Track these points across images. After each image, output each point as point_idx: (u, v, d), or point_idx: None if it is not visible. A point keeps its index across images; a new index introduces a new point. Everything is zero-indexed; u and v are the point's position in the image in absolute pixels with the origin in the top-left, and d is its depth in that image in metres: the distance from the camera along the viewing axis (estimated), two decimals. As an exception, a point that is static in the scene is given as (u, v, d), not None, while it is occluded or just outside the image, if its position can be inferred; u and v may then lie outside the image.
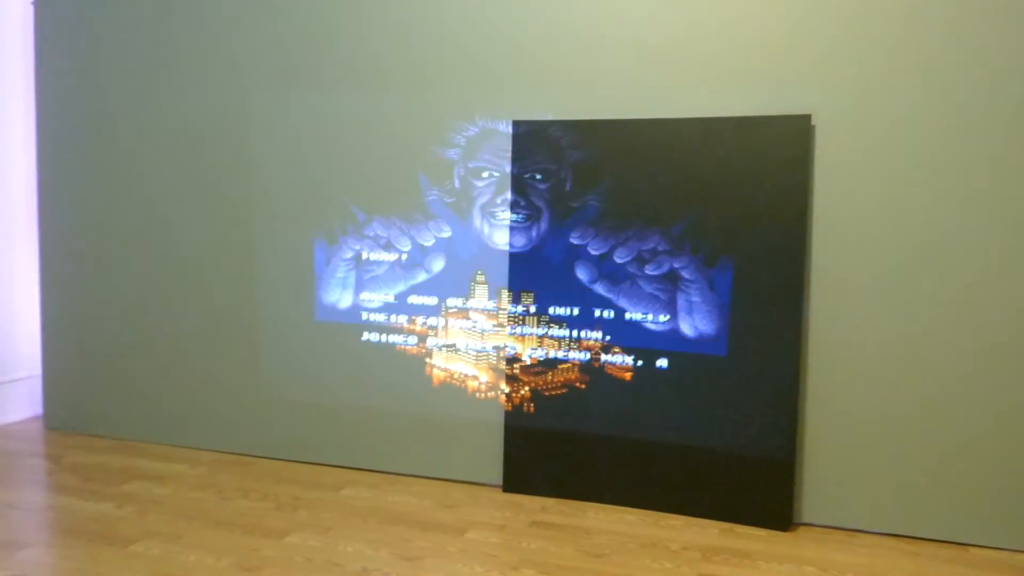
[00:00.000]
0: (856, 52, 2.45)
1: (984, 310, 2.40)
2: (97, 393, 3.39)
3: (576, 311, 2.73)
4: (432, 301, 2.92)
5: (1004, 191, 2.36)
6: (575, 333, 2.73)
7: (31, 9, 3.41)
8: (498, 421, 2.85)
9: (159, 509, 2.61)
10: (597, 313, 2.70)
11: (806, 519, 2.58)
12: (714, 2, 2.56)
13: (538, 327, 2.77)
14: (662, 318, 2.63)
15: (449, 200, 2.87)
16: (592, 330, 2.71)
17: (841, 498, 2.54)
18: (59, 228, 3.39)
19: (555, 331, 2.76)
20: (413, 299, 2.94)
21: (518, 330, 2.80)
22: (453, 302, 2.90)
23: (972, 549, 2.43)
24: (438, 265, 2.90)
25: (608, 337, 2.70)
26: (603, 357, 2.71)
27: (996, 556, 2.38)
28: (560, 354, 2.75)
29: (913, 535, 2.49)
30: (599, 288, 2.70)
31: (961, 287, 2.41)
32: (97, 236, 3.34)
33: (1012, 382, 2.39)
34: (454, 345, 2.91)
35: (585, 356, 2.73)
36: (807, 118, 2.48)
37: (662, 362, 2.63)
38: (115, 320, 3.34)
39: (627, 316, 2.67)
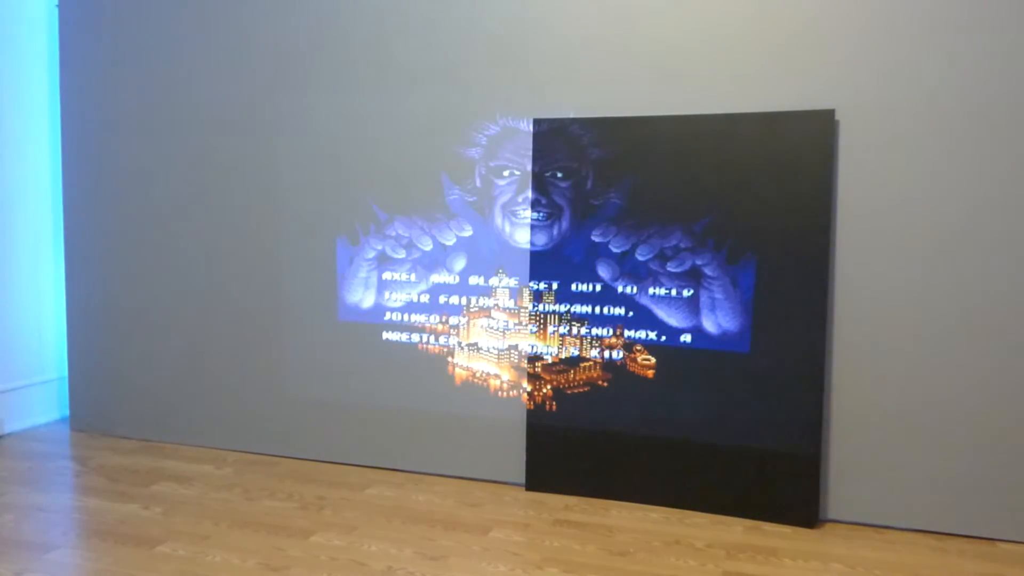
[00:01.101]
0: (880, 46, 2.43)
1: (1011, 305, 2.37)
2: (123, 395, 3.42)
3: (598, 309, 2.72)
4: (454, 300, 2.92)
5: (1031, 184, 2.34)
6: (597, 330, 2.73)
7: (55, 10, 3.44)
8: (520, 420, 2.85)
9: (185, 510, 2.63)
10: (619, 310, 2.70)
11: (832, 516, 2.56)
12: (734, -3, 2.55)
13: (560, 325, 2.77)
14: (683, 321, 2.62)
15: (470, 199, 2.87)
16: (614, 328, 2.71)
17: (867, 495, 2.53)
18: (84, 230, 3.43)
19: (577, 329, 2.75)
20: (435, 298, 2.95)
21: (540, 328, 2.80)
22: (475, 301, 2.90)
23: (1000, 544, 2.40)
24: (459, 264, 2.90)
25: (630, 335, 2.69)
26: (625, 354, 2.70)
27: (1022, 550, 2.37)
28: (582, 352, 2.75)
29: (940, 531, 2.47)
30: (621, 286, 2.69)
31: (987, 282, 2.39)
32: (121, 238, 3.37)
33: (1041, 377, 2.36)
34: (476, 344, 2.91)
35: (608, 354, 2.72)
36: (831, 113, 2.46)
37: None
38: (140, 322, 3.37)
39: (649, 313, 2.66)
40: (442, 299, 2.94)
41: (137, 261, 3.35)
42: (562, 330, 2.77)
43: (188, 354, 3.30)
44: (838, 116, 2.47)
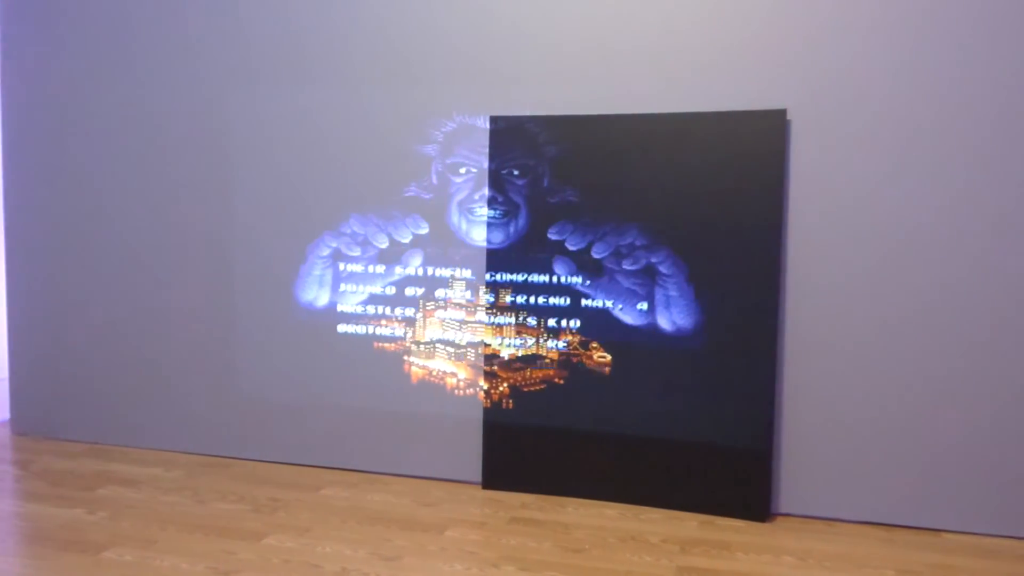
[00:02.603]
0: (831, 47, 2.47)
1: (956, 303, 2.44)
2: (68, 396, 3.32)
3: (554, 307, 2.73)
4: (410, 298, 2.90)
5: (978, 186, 2.40)
6: (553, 328, 2.73)
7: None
8: (477, 418, 2.84)
9: (133, 514, 2.56)
10: (575, 309, 2.71)
11: (784, 509, 2.61)
12: (688, -3, 2.58)
13: (516, 323, 2.77)
14: (641, 305, 2.64)
15: (426, 196, 2.85)
16: (570, 325, 2.72)
17: (818, 488, 2.58)
18: (26, 227, 3.31)
19: (533, 327, 2.75)
20: (390, 296, 2.92)
21: (496, 326, 2.79)
22: (431, 299, 2.88)
23: (944, 534, 2.47)
24: (415, 262, 2.88)
25: (587, 332, 2.70)
26: (582, 352, 2.71)
27: (966, 540, 2.43)
28: (539, 350, 2.75)
29: (888, 522, 2.53)
30: (577, 283, 2.70)
31: (935, 280, 2.45)
32: (65, 234, 3.27)
33: (980, 374, 2.43)
34: (432, 342, 2.89)
35: (564, 351, 2.73)
36: (782, 113, 2.50)
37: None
38: (85, 321, 3.27)
39: (605, 311, 2.68)
40: (398, 297, 2.91)
41: (81, 259, 3.25)
42: (518, 328, 2.77)
43: (136, 354, 3.22)
44: (789, 116, 2.51)
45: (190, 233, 3.12)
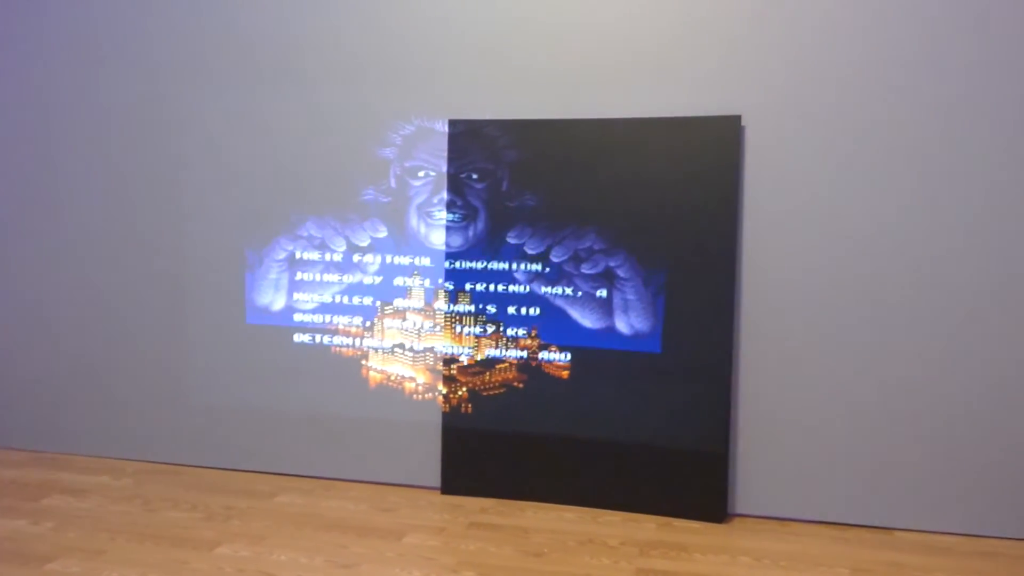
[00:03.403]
0: (785, 54, 2.52)
1: (910, 305, 2.50)
2: (10, 403, 3.21)
3: (513, 310, 2.73)
4: (368, 302, 2.87)
5: (931, 189, 2.46)
6: (512, 332, 2.73)
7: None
8: (436, 422, 2.82)
9: (80, 524, 2.49)
10: (534, 311, 2.71)
11: (740, 510, 2.64)
12: (646, 4, 2.60)
13: (475, 327, 2.76)
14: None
15: (385, 200, 2.83)
16: (529, 329, 2.72)
17: (773, 489, 2.61)
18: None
19: (492, 330, 2.75)
20: (348, 300, 2.89)
21: (455, 330, 2.78)
22: (389, 303, 2.86)
23: (897, 532, 2.52)
24: (374, 266, 2.86)
25: (545, 336, 2.70)
26: (540, 356, 2.71)
27: (919, 538, 2.48)
28: (497, 354, 2.75)
29: (842, 522, 2.57)
30: (536, 287, 2.70)
31: (888, 282, 2.51)
32: (6, 235, 3.16)
33: (932, 374, 2.49)
34: (390, 346, 2.87)
35: (523, 355, 2.73)
36: (737, 119, 2.54)
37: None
38: (27, 323, 3.17)
39: (563, 314, 2.68)
40: (356, 301, 2.88)
41: (25, 259, 3.15)
42: (477, 332, 2.76)
43: (82, 357, 3.13)
44: (744, 122, 2.55)
45: (140, 235, 3.04)
